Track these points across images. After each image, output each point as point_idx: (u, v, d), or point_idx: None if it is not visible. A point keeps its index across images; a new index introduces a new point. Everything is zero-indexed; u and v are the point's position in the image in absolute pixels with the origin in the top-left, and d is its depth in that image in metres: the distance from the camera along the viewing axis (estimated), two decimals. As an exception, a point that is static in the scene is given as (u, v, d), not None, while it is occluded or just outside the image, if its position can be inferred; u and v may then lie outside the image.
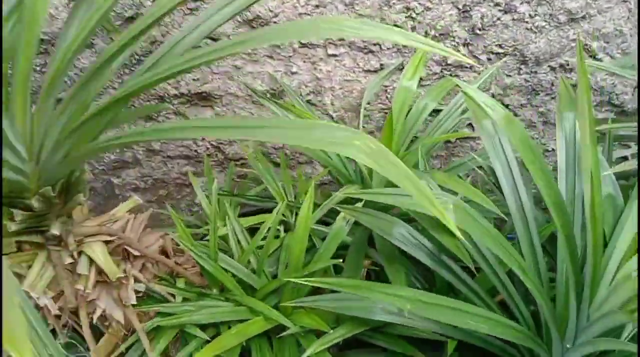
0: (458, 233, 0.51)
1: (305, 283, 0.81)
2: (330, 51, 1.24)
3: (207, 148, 1.41)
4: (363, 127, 1.37)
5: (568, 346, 0.80)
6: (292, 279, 0.85)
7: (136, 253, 0.90)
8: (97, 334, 1.11)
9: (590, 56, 1.27)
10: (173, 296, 1.00)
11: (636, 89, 1.34)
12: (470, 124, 1.39)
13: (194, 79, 1.26)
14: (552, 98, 1.34)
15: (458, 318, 0.67)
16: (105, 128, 0.83)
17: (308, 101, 1.32)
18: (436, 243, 0.89)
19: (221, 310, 0.99)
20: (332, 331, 0.87)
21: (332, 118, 1.35)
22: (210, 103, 1.32)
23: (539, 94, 1.33)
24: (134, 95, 0.67)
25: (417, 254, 0.88)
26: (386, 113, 1.35)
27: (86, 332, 0.90)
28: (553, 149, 1.45)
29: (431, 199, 0.52)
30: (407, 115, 1.16)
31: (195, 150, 1.41)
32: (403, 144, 1.18)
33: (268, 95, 1.30)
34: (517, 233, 0.86)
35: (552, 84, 1.31)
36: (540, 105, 1.35)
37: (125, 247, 0.89)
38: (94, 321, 0.94)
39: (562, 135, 0.89)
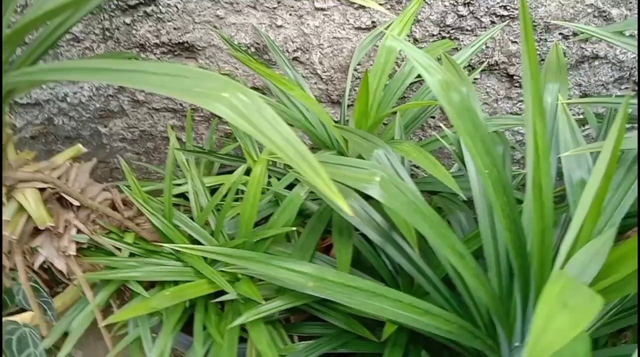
0: (348, 210, 0.44)
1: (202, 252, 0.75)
2: (317, 4, 1.14)
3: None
4: (354, 90, 1.28)
5: (517, 344, 0.72)
6: (175, 247, 0.79)
7: (75, 203, 0.87)
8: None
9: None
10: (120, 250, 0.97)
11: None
12: (471, 94, 1.28)
13: (174, 28, 1.20)
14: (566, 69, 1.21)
15: (367, 302, 0.60)
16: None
17: (295, 59, 1.24)
18: (388, 220, 0.81)
19: (165, 269, 0.95)
20: (264, 302, 0.82)
21: (321, 78, 1.27)
22: (194, 55, 1.26)
23: (549, 64, 1.20)
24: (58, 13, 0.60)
25: (365, 230, 0.81)
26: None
27: (22, 277, 0.88)
28: (564, 128, 1.32)
29: (315, 167, 0.44)
30: (390, 78, 1.07)
31: (180, 104, 1.36)
32: (386, 109, 1.09)
33: (252, 50, 1.23)
34: (478, 215, 0.77)
35: (565, 55, 1.18)
36: (550, 78, 1.22)
37: (63, 195, 0.86)
38: (36, 268, 0.92)
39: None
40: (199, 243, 1.01)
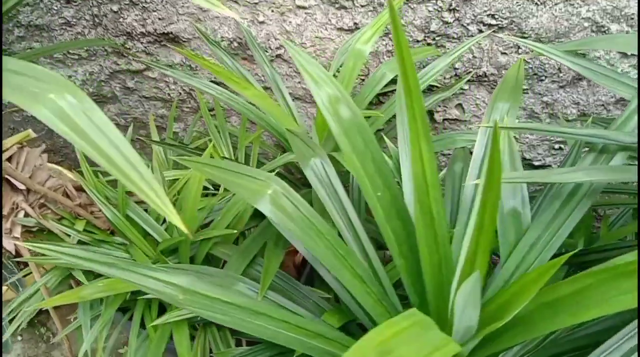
0: (183, 227, 0.41)
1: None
2: (298, 2, 1.11)
3: (180, 93, 1.35)
4: (339, 92, 1.24)
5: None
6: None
7: (20, 186, 0.88)
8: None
9: (606, 41, 1.03)
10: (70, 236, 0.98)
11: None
12: (459, 105, 1.21)
13: (159, 18, 1.20)
14: (561, 87, 1.13)
15: (245, 321, 0.57)
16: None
17: (279, 56, 1.21)
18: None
19: (110, 260, 0.95)
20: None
21: (305, 78, 1.23)
22: (180, 46, 1.25)
23: (542, 79, 1.12)
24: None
25: (295, 243, 0.77)
26: (363, 80, 1.21)
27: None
28: (560, 148, 1.24)
29: (147, 179, 0.42)
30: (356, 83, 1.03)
31: (169, 94, 1.36)
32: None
33: (235, 44, 1.21)
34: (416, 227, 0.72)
35: (559, 70, 1.10)
36: (544, 94, 1.14)
37: (8, 178, 0.87)
38: (-15, 248, 0.94)
39: (484, 130, 0.73)
40: (150, 236, 1.01)
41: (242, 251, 0.90)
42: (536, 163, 1.27)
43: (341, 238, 0.73)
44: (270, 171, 0.95)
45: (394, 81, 1.05)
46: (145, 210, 1.02)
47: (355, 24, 1.12)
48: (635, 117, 0.63)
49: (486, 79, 1.14)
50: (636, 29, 1.02)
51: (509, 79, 0.77)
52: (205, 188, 1.11)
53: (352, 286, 0.60)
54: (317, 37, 1.16)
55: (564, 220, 0.64)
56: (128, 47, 1.27)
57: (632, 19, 1.00)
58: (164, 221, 1.04)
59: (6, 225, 0.90)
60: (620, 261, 0.41)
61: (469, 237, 0.49)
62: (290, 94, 1.21)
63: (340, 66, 1.19)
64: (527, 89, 1.15)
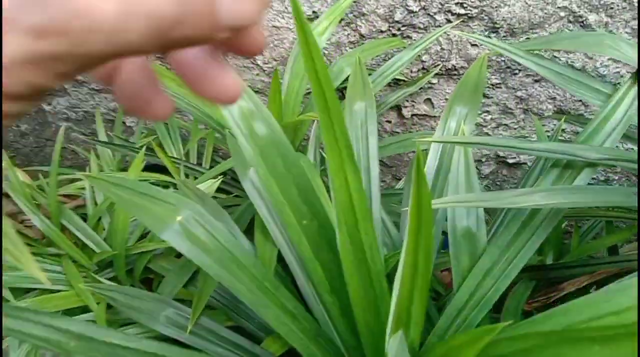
0: (43, 277, 0.33)
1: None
2: (251, -12, 1.02)
3: (131, 86, 1.26)
4: (300, 85, 1.15)
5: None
6: None
7: None
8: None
9: (584, 32, 0.95)
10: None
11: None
12: (428, 99, 1.13)
13: (103, 5, 1.10)
14: (536, 81, 1.05)
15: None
16: None
17: (234, 46, 1.12)
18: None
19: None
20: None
21: (263, 70, 1.14)
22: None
23: (516, 73, 1.04)
24: None
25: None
26: (325, 72, 1.12)
27: None
28: (536, 145, 1.16)
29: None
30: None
31: (120, 87, 1.27)
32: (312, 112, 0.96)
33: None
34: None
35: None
36: (518, 88, 1.06)
37: None
38: None
39: (439, 136, 0.65)
40: (88, 248, 0.93)
41: (181, 266, 0.82)
42: (510, 160, 1.19)
43: (281, 263, 0.66)
44: (215, 177, 0.87)
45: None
46: (84, 218, 0.94)
47: (314, 12, 1.03)
48: (605, 129, 0.55)
49: (456, 72, 1.06)
50: (615, 19, 0.94)
51: (469, 78, 0.69)
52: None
53: (280, 324, 0.53)
54: (274, 27, 1.07)
55: (524, 243, 0.57)
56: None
57: (612, 8, 0.92)
58: (104, 229, 0.96)
59: None
60: (559, 327, 0.33)
61: (399, 279, 0.41)
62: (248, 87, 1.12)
63: (300, 58, 1.10)
64: (500, 84, 1.06)
